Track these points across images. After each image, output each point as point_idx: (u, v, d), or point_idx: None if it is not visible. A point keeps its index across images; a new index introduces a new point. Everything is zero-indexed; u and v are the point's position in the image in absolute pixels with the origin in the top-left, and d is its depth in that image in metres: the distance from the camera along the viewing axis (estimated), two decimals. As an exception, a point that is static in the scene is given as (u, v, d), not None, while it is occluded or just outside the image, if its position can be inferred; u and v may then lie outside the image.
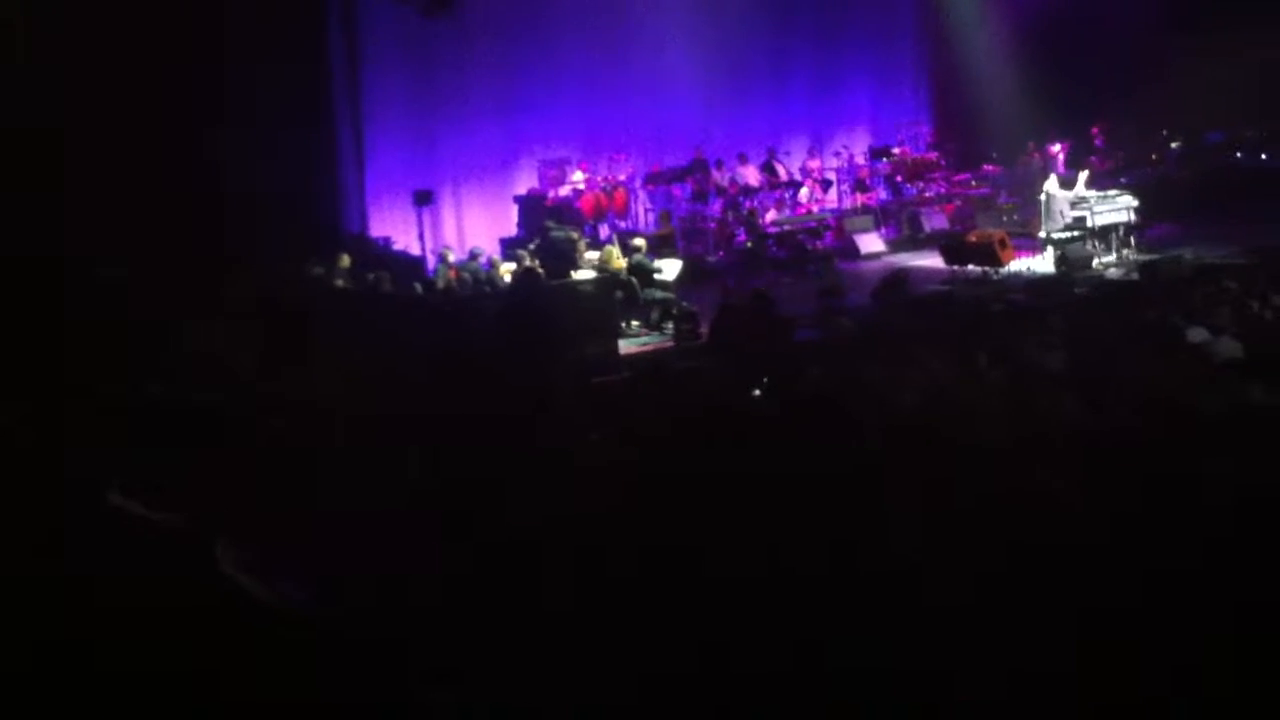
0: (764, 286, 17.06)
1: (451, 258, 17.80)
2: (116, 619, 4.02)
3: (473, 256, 17.89)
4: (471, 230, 21.06)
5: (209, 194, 16.12)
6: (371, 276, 16.43)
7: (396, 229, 19.96)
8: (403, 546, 5.10)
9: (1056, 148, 23.44)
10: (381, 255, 18.45)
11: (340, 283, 16.27)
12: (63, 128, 15.08)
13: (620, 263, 17.26)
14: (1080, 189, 19.13)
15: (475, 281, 17.11)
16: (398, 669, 4.15)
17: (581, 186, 21.47)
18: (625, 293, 16.87)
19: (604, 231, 21.17)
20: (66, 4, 15.44)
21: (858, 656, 4.12)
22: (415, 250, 19.36)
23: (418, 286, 16.96)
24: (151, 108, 16.06)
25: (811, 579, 4.41)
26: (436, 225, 20.68)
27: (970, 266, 18.33)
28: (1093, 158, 23.11)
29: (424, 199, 19.80)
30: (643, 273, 17.10)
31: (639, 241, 17.94)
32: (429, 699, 4.05)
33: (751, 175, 22.69)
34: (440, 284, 17.05)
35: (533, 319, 13.69)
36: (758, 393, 9.09)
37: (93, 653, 3.92)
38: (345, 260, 16.62)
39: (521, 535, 5.06)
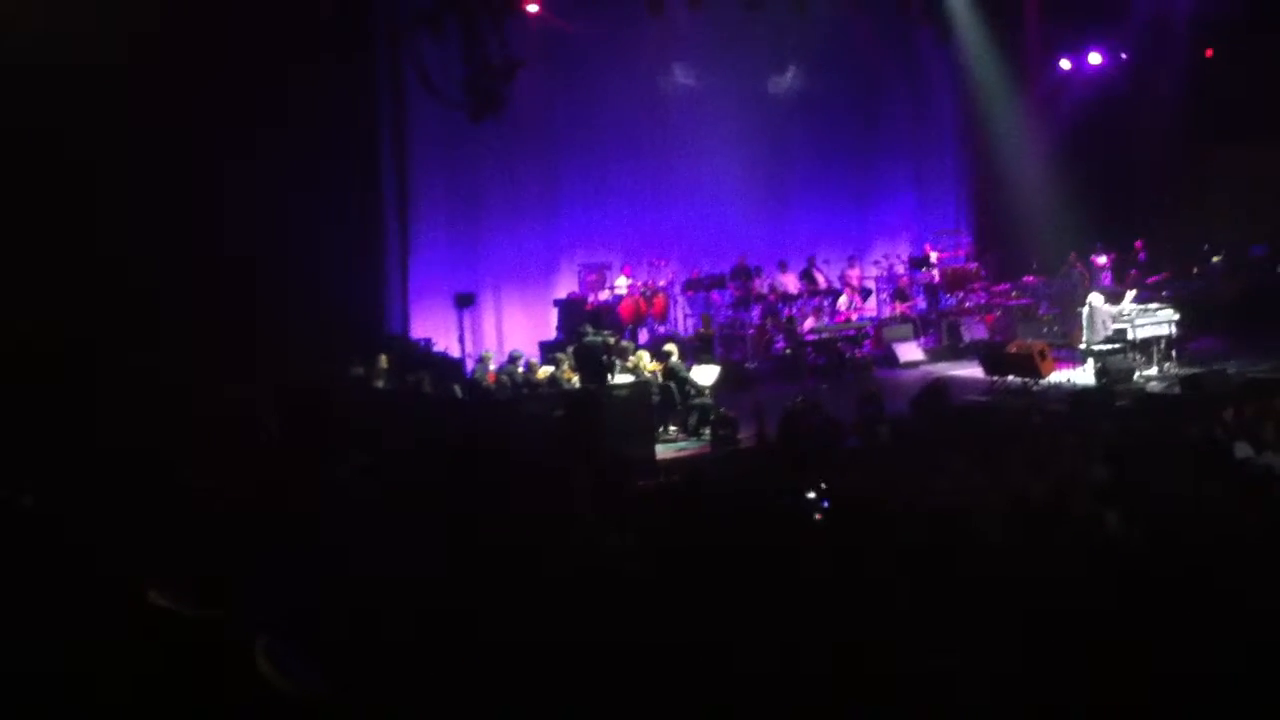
0: (801, 394, 17.00)
1: (491, 360, 17.88)
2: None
3: (512, 359, 17.96)
4: (511, 332, 21.17)
5: (251, 293, 16.39)
6: (411, 377, 16.51)
7: (437, 330, 20.08)
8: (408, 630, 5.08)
9: (1102, 259, 23.40)
10: (422, 356, 18.56)
11: (380, 383, 16.36)
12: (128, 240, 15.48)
13: (652, 366, 17.28)
14: (1127, 304, 19.07)
15: (514, 384, 17.15)
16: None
17: (623, 291, 21.60)
18: (663, 398, 16.87)
19: (643, 336, 21.25)
20: (123, 110, 15.77)
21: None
22: (456, 352, 19.47)
23: (457, 388, 17.02)
24: (197, 203, 16.40)
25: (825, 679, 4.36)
26: (477, 327, 20.82)
27: (1010, 377, 18.24)
28: (1134, 270, 23.05)
29: (466, 301, 19.97)
30: (679, 378, 17.11)
31: (670, 346, 17.97)
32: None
33: (791, 282, 22.79)
34: (480, 386, 17.10)
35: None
36: (812, 495, 9.02)
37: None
38: (384, 361, 16.72)
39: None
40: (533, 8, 20.13)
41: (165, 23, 15.80)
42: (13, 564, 5.72)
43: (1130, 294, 19.74)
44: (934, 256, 24.05)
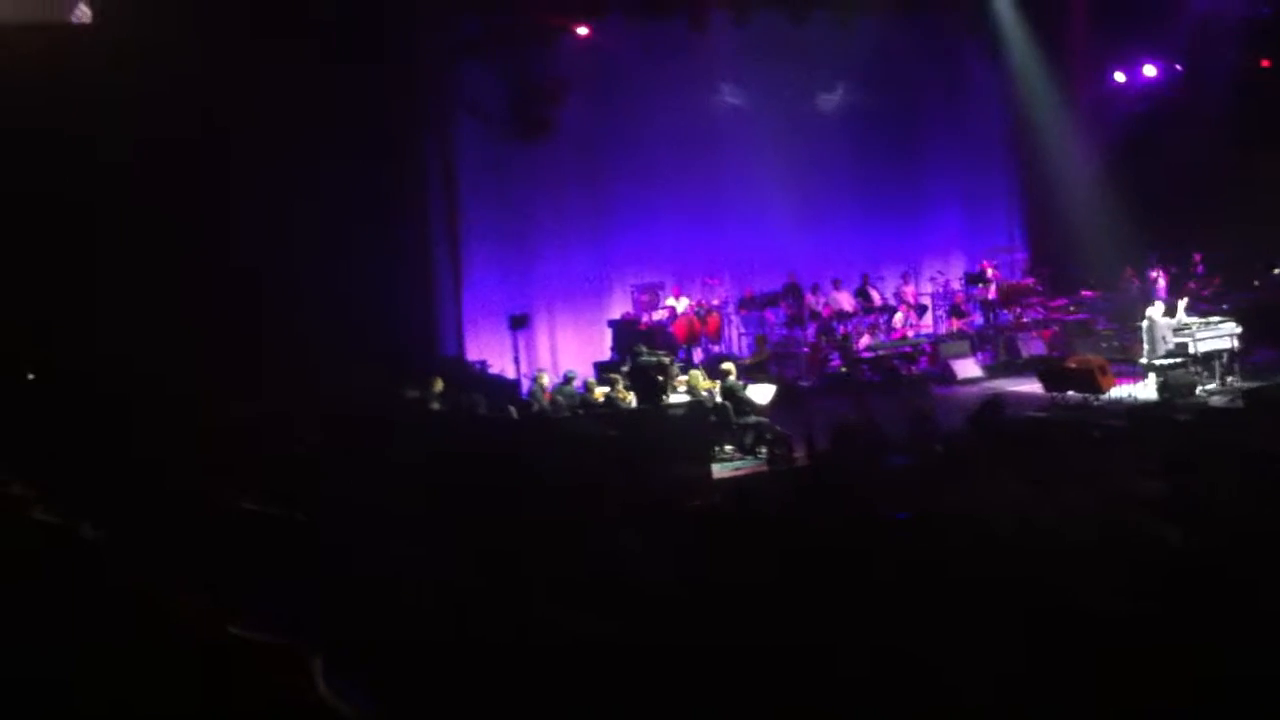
0: (853, 411, 16.90)
1: (546, 380, 17.92)
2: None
3: (566, 380, 18.01)
4: (565, 352, 21.25)
5: (304, 317, 16.57)
6: (465, 399, 16.58)
7: (492, 351, 20.20)
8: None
9: (1158, 273, 23.14)
10: (477, 378, 18.65)
11: (435, 405, 16.45)
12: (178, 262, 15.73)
13: (707, 385, 17.27)
14: (1180, 316, 18.84)
15: (569, 404, 17.19)
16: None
17: (678, 310, 21.61)
18: (718, 417, 16.84)
19: (698, 355, 21.24)
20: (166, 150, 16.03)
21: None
22: (510, 373, 19.54)
23: (512, 410, 17.07)
24: (248, 232, 16.63)
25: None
26: (531, 348, 20.92)
27: (1070, 392, 18.05)
28: (1192, 283, 22.78)
29: (520, 323, 20.06)
30: (735, 397, 17.08)
31: (728, 365, 17.96)
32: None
33: (845, 300, 22.72)
34: (535, 406, 17.16)
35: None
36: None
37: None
38: (439, 384, 16.81)
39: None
40: (582, 31, 20.23)
41: (221, 56, 16.07)
42: (80, 598, 5.76)
43: (1182, 303, 19.49)
44: (990, 273, 23.88)
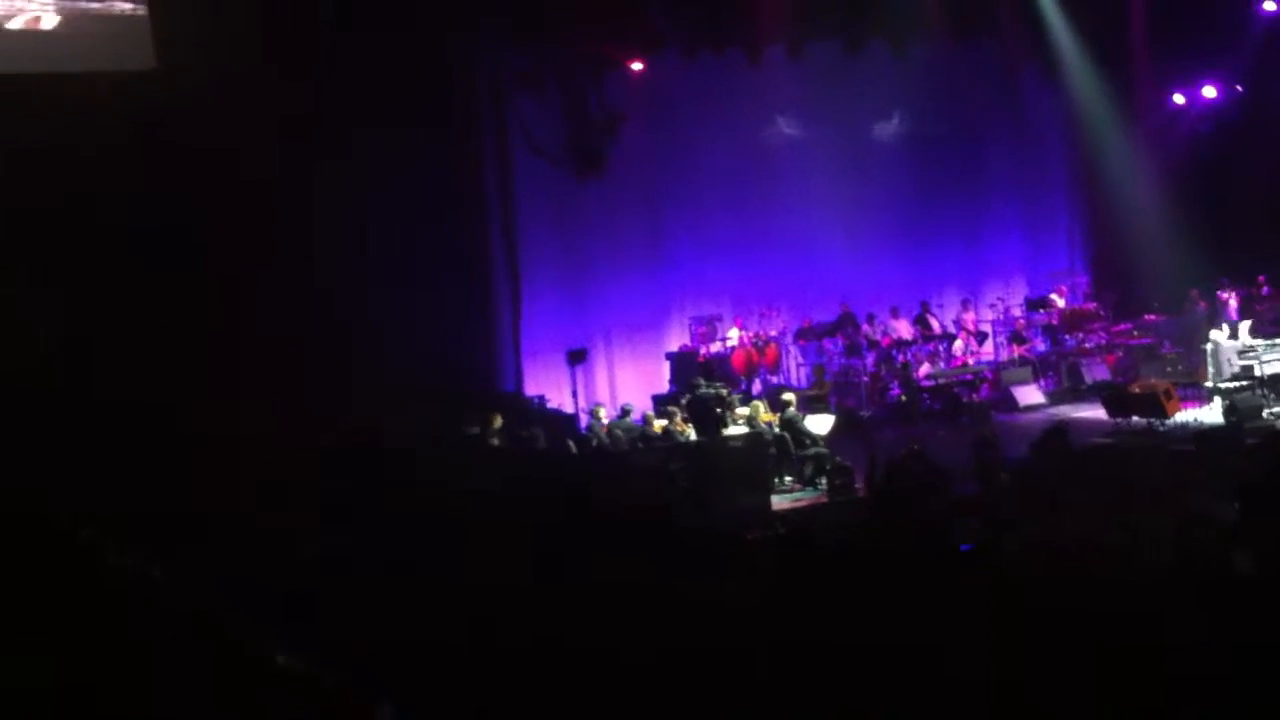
0: (911, 442, 16.75)
1: (603, 414, 17.91)
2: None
3: (624, 413, 17.99)
4: (623, 386, 21.23)
5: (365, 353, 16.72)
6: (525, 434, 16.62)
7: (549, 384, 20.22)
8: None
9: (1227, 295, 22.80)
10: (536, 413, 18.67)
11: (495, 441, 16.49)
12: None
13: (768, 416, 17.20)
14: (1244, 337, 18.57)
15: (628, 438, 17.17)
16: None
17: (735, 342, 21.57)
18: (778, 448, 16.76)
19: (756, 387, 21.16)
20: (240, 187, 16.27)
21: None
22: (569, 407, 19.55)
23: (571, 444, 17.08)
24: (309, 263, 16.82)
25: None
26: (589, 381, 20.91)
27: (1135, 418, 17.82)
28: (1259, 305, 22.43)
29: (578, 358, 20.05)
30: (795, 428, 17.00)
31: (789, 396, 17.88)
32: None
33: (904, 328, 22.58)
34: (594, 441, 17.15)
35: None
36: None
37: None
38: (498, 420, 16.84)
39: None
40: (637, 66, 20.31)
41: (289, 95, 16.34)
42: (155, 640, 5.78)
43: (1245, 325, 19.21)
44: (1059, 300, 23.64)
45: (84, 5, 16.75)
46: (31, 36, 16.48)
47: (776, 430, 17.02)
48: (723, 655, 5.09)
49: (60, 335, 15.10)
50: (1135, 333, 22.83)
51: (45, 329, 15.06)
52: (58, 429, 12.73)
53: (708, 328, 21.93)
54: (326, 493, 10.88)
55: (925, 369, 21.55)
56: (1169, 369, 21.30)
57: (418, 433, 15.02)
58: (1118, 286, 24.18)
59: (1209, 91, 24.15)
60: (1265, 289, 23.28)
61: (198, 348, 15.63)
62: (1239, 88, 24.19)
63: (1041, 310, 23.45)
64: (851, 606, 5.55)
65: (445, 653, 5.87)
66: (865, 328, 22.31)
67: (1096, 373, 21.97)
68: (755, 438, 16.65)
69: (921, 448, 15.68)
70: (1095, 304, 23.72)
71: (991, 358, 23.03)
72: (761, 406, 17.60)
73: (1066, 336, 23.07)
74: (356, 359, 16.78)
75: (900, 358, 21.75)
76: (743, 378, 21.28)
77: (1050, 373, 22.52)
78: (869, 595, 5.69)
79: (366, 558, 8.33)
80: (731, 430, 17.19)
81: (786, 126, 23.07)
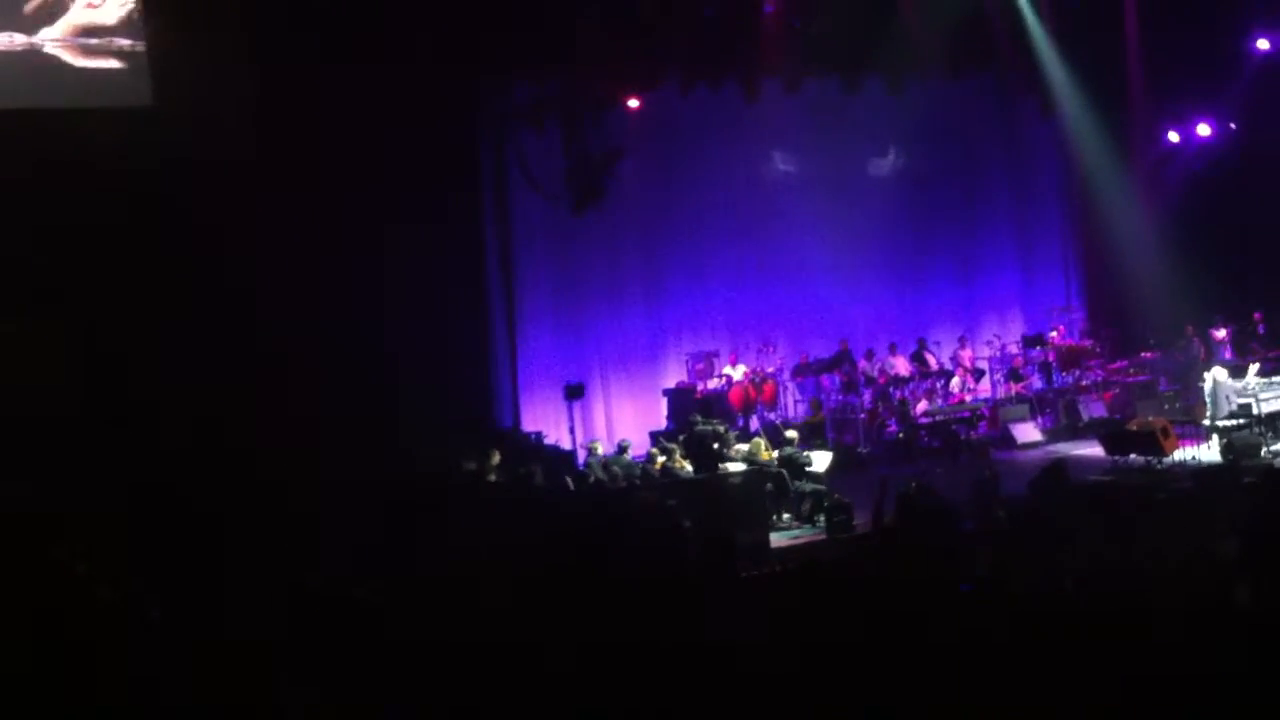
0: (915, 478, 16.71)
1: (600, 450, 17.87)
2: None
3: (621, 449, 17.95)
4: (620, 422, 21.22)
5: (370, 386, 16.69)
6: (523, 471, 16.56)
7: (547, 420, 20.19)
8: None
9: (1220, 332, 22.83)
10: (534, 449, 18.62)
11: (492, 477, 16.43)
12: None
13: (769, 454, 17.18)
14: (1251, 379, 18.60)
15: (626, 474, 17.12)
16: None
17: (738, 377, 21.55)
18: (775, 485, 16.72)
19: (754, 424, 21.14)
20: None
21: None
22: (566, 443, 19.51)
23: (569, 481, 17.03)
24: (326, 302, 16.82)
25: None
26: (587, 417, 20.89)
27: (1132, 455, 17.80)
28: (1253, 342, 22.47)
29: (575, 393, 20.01)
30: (793, 465, 16.96)
31: (791, 434, 17.87)
32: None
33: (902, 365, 22.60)
34: (592, 478, 17.10)
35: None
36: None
37: None
38: (496, 456, 16.79)
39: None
40: (633, 103, 20.38)
41: (278, 118, 16.37)
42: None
43: (1254, 367, 19.25)
44: (1056, 336, 23.67)
45: (83, 40, 16.78)
46: (31, 70, 16.50)
47: (775, 467, 16.99)
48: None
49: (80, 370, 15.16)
50: (1132, 370, 22.85)
51: (59, 361, 15.12)
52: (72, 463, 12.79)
53: (705, 364, 21.93)
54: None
55: (923, 406, 21.55)
56: (1166, 406, 21.30)
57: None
58: (1114, 323, 24.22)
59: (1203, 129, 24.27)
60: (1261, 326, 23.33)
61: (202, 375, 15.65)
62: (1233, 125, 24.31)
63: (1038, 347, 23.47)
64: (869, 637, 5.53)
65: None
66: (863, 364, 22.32)
67: (1094, 410, 21.98)
68: (753, 474, 16.61)
69: (924, 483, 15.66)
70: (1092, 341, 23.75)
71: (989, 395, 23.04)
72: (762, 443, 17.58)
73: (1062, 374, 23.09)
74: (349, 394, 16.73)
75: (898, 394, 21.76)
76: (740, 414, 21.26)
77: (1048, 410, 22.52)
78: (887, 626, 5.67)
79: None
80: (730, 467, 17.16)
81: (783, 162, 23.16)
